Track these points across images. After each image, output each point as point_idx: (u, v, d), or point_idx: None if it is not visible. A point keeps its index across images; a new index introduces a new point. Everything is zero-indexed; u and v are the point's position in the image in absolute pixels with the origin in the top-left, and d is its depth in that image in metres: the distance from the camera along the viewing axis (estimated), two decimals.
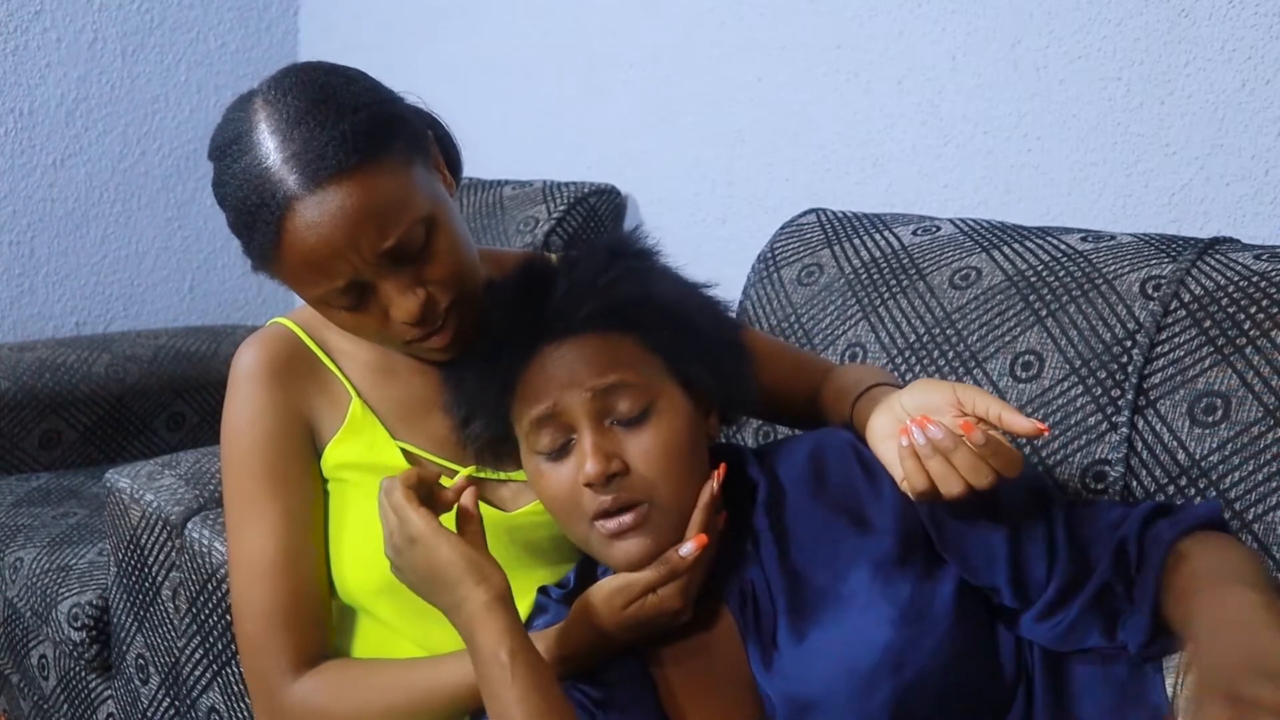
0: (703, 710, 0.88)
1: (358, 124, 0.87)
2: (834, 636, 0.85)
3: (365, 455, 1.01)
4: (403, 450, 1.02)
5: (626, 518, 0.86)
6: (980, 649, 0.87)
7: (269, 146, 0.87)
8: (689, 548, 0.86)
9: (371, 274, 0.88)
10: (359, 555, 1.00)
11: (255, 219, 0.88)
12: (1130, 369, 1.09)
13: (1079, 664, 0.88)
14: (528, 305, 0.90)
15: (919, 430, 0.83)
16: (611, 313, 0.89)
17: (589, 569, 0.98)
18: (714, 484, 0.89)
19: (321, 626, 1.00)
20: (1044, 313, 1.16)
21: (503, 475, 1.02)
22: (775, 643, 0.87)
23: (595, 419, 0.87)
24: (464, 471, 1.01)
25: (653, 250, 0.97)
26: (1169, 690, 0.84)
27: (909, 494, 0.85)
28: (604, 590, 0.88)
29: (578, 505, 0.87)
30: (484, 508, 1.00)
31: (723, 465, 0.91)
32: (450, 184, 0.98)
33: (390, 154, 0.88)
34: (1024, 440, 1.13)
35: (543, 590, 0.99)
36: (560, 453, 0.88)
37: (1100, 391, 1.10)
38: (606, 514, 0.86)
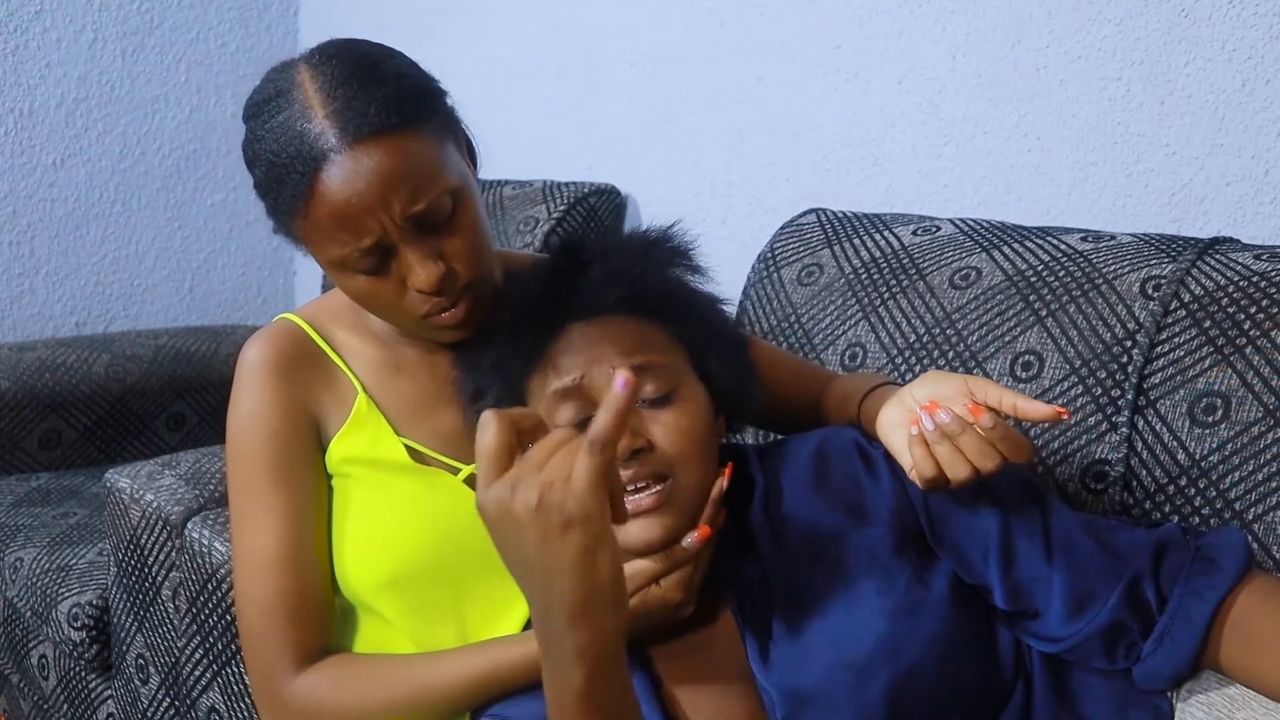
0: (703, 706, 0.88)
1: (401, 89, 0.90)
2: (830, 628, 0.85)
3: (368, 450, 1.02)
4: (406, 446, 1.02)
5: (646, 499, 0.85)
6: (977, 641, 0.87)
7: (312, 103, 0.89)
8: (691, 539, 0.86)
9: (397, 236, 0.90)
10: (361, 550, 1.00)
11: (288, 171, 0.89)
12: (1130, 369, 1.09)
13: (1080, 664, 0.88)
14: (559, 284, 0.92)
15: (928, 416, 0.84)
16: (642, 300, 0.90)
17: None
18: (723, 481, 0.89)
19: (324, 621, 1.00)
20: (1044, 313, 1.16)
21: None
22: (772, 636, 0.87)
23: None
24: (466, 469, 1.01)
25: (688, 250, 0.98)
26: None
27: (917, 482, 0.86)
28: None
29: None
30: None
31: (730, 464, 0.92)
32: (473, 171, 1.00)
33: (428, 124, 0.91)
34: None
35: None
36: (581, 428, 0.88)
37: (1100, 391, 1.10)
38: (626, 489, 0.86)
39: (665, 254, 0.96)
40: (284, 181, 0.89)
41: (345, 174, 0.87)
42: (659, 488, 0.86)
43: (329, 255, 0.92)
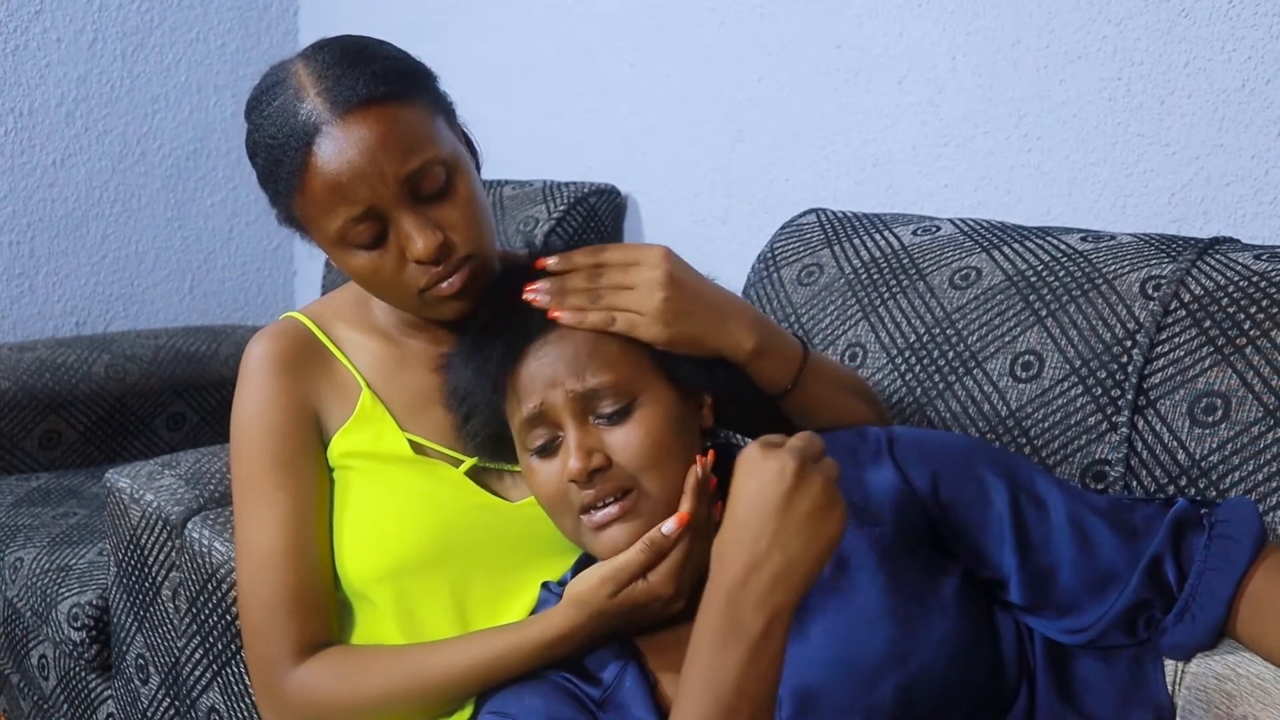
0: None
1: (389, 66, 0.94)
2: (837, 628, 0.85)
3: (371, 445, 1.02)
4: (410, 441, 1.02)
5: (613, 508, 0.87)
6: (983, 644, 0.87)
7: (304, 85, 0.92)
8: (670, 525, 0.86)
9: (391, 203, 0.91)
10: (359, 542, 1.00)
11: (284, 150, 0.91)
12: (1130, 369, 1.09)
13: (1082, 661, 0.88)
14: (512, 302, 0.92)
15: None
16: None
17: (588, 567, 0.99)
18: (698, 468, 0.89)
19: (325, 614, 1.00)
20: (1044, 313, 1.16)
21: (505, 465, 1.03)
22: None
23: (579, 417, 0.88)
24: (468, 462, 1.01)
25: None
26: (1169, 684, 0.85)
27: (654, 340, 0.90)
28: (591, 579, 0.88)
29: (565, 500, 0.88)
30: (488, 498, 1.01)
31: (711, 451, 0.91)
32: (475, 167, 1.01)
33: (417, 98, 0.94)
34: (1024, 440, 1.14)
35: (545, 586, 0.99)
36: (548, 449, 0.89)
37: (1100, 391, 1.10)
38: (593, 507, 0.87)
39: None
40: (281, 162, 0.92)
41: (337, 145, 0.90)
42: (623, 500, 0.87)
43: (329, 232, 0.93)
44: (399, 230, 0.92)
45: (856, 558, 0.88)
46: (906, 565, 0.87)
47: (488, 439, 0.96)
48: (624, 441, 0.87)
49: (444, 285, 0.94)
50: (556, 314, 0.90)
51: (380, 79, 0.92)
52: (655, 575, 0.87)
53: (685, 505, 0.87)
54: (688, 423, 0.92)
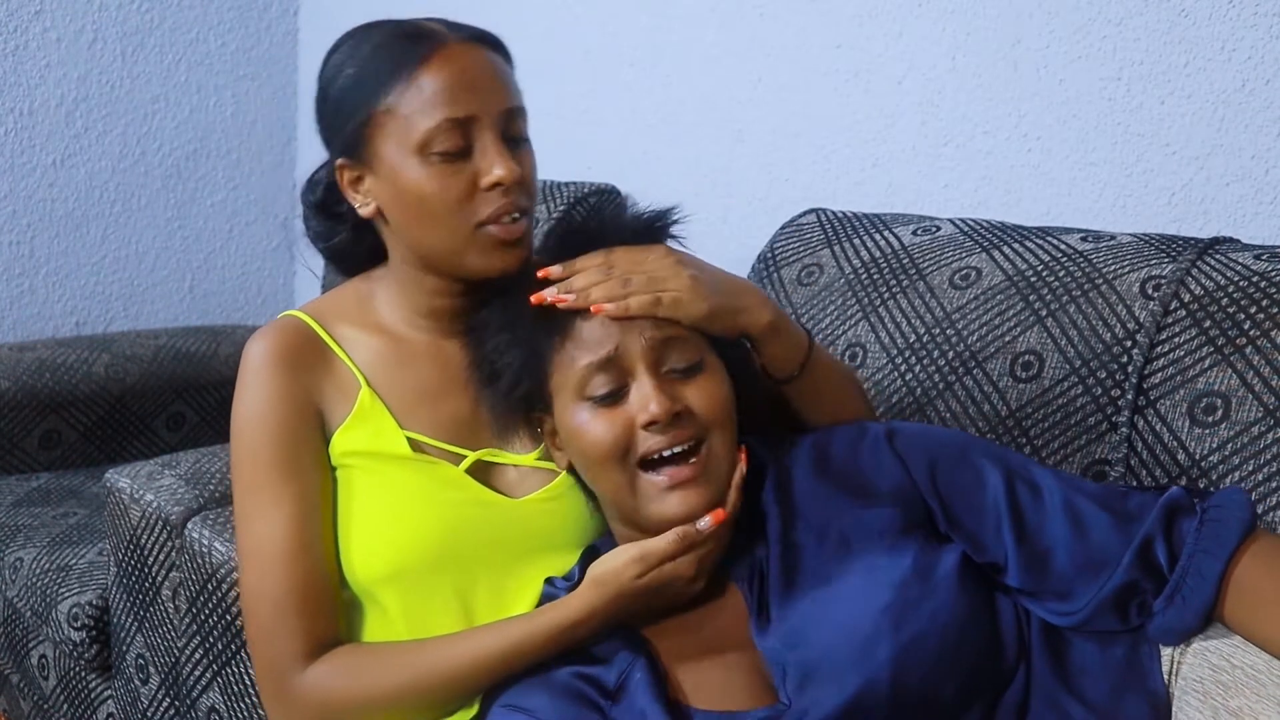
0: (707, 681, 0.89)
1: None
2: (836, 600, 0.87)
3: (371, 443, 1.02)
4: (408, 438, 1.02)
5: (686, 470, 0.88)
6: (979, 621, 0.88)
7: (417, 20, 1.00)
8: (706, 521, 0.88)
9: (489, 123, 0.97)
10: (366, 541, 1.00)
11: (403, 50, 0.97)
12: (1130, 369, 1.09)
13: (1078, 646, 0.89)
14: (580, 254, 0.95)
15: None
16: None
17: (592, 562, 0.99)
18: (742, 465, 0.91)
19: (332, 613, 1.00)
20: (1044, 313, 1.16)
21: (507, 459, 1.03)
22: (780, 610, 0.89)
23: (654, 366, 0.90)
24: (471, 456, 1.01)
25: (679, 235, 1.02)
26: (1165, 674, 0.85)
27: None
28: (618, 560, 0.89)
29: (628, 450, 0.89)
30: (490, 495, 1.01)
31: (744, 448, 0.93)
32: None
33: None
34: (1024, 440, 1.14)
35: (549, 581, 1.00)
36: (613, 397, 0.90)
37: (1100, 391, 1.10)
38: (661, 462, 0.89)
39: (661, 231, 1.00)
40: (392, 57, 0.97)
41: (460, 57, 0.97)
42: (696, 458, 0.89)
43: (419, 130, 0.95)
44: (485, 152, 0.96)
45: (858, 536, 0.90)
46: (906, 543, 0.89)
47: (512, 402, 0.96)
48: (700, 391, 0.90)
49: (512, 225, 0.97)
50: (601, 308, 0.90)
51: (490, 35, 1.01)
52: (681, 558, 0.88)
53: (730, 501, 0.90)
54: (733, 400, 0.94)
